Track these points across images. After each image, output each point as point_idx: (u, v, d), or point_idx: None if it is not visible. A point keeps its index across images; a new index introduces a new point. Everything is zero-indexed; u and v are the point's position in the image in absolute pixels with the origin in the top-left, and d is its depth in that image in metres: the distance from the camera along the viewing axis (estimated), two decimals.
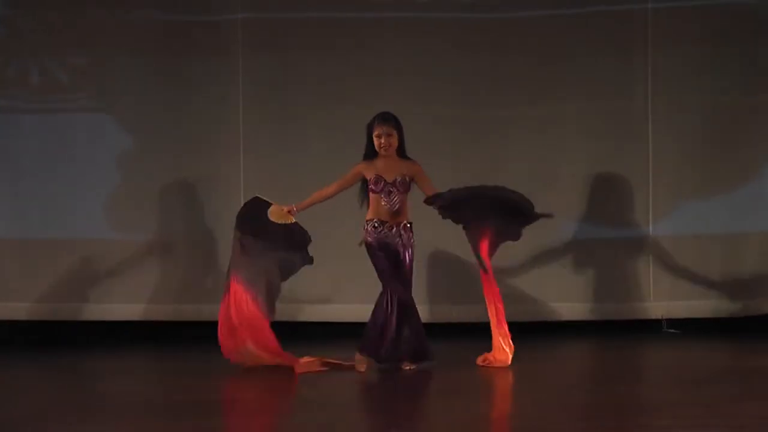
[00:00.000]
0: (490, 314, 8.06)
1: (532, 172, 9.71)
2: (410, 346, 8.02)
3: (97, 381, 8.21)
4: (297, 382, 7.77)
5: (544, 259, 9.78)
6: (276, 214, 8.32)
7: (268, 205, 8.36)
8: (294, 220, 8.30)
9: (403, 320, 8.00)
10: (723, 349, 9.16)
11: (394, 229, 8.07)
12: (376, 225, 8.06)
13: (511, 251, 9.60)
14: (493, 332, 8.06)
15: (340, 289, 9.63)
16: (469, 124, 9.84)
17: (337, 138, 9.64)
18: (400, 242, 8.06)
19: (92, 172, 9.84)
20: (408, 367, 8.02)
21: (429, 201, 8.00)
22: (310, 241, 8.24)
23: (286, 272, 8.30)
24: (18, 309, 9.80)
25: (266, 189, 9.73)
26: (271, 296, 8.21)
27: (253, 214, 8.36)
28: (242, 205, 8.53)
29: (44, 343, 9.70)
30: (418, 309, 8.14)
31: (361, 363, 8.05)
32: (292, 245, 8.26)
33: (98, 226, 9.85)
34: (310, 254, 8.26)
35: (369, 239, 8.08)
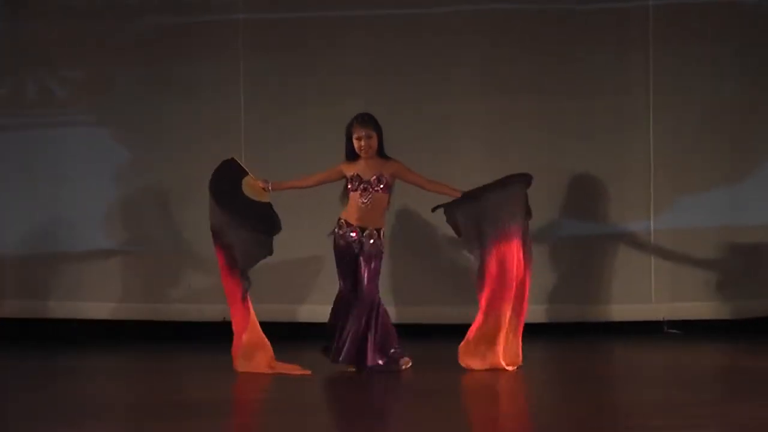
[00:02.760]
0: (504, 320, 7.99)
1: (533, 167, 9.68)
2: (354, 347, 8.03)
3: (93, 381, 8.20)
4: (298, 381, 7.76)
5: (541, 257, 9.77)
6: (250, 186, 8.10)
7: (244, 173, 8.13)
8: (268, 200, 8.07)
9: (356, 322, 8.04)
10: (723, 349, 9.16)
11: (356, 233, 8.04)
12: (341, 225, 8.08)
13: None
14: (506, 338, 7.99)
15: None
16: (468, 120, 9.84)
17: (337, 138, 9.56)
18: (359, 249, 8.03)
19: (92, 175, 9.86)
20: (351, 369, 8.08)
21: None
22: (279, 230, 7.99)
23: (245, 260, 7.99)
24: (17, 307, 9.84)
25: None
26: (243, 272, 7.95)
27: (226, 179, 8.05)
28: (217, 167, 8.24)
29: (41, 342, 9.70)
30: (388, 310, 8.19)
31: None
32: (258, 227, 7.97)
33: (98, 227, 9.87)
34: (273, 246, 7.99)
35: (333, 236, 8.10)
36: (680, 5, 9.84)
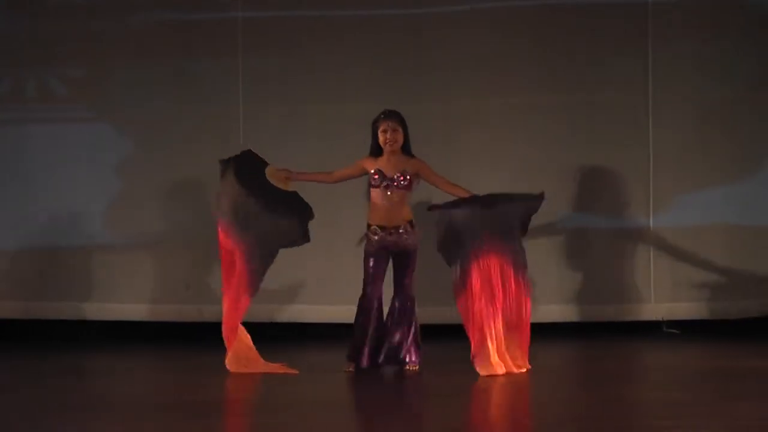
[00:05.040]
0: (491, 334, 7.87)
1: (532, 164, 9.71)
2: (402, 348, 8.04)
3: (97, 381, 8.19)
4: (298, 381, 7.76)
5: (541, 256, 9.76)
6: (273, 175, 8.11)
7: (264, 163, 8.12)
8: (293, 189, 8.07)
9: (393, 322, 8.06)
10: (723, 349, 9.13)
11: (393, 234, 8.03)
12: (374, 230, 8.04)
13: None
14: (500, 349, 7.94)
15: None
16: (467, 118, 9.82)
17: (337, 136, 9.63)
18: (395, 248, 8.01)
19: (91, 174, 9.86)
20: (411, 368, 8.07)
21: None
22: (312, 216, 7.98)
23: (286, 240, 7.98)
24: (18, 308, 9.82)
25: None
26: (261, 263, 7.94)
27: (250, 167, 8.02)
28: (235, 155, 8.18)
29: (45, 342, 9.69)
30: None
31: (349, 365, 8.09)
32: (292, 214, 7.96)
33: (100, 227, 9.86)
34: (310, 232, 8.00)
35: (368, 247, 8.05)
36: (680, 1, 9.83)
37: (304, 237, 8.02)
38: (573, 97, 9.84)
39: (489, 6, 9.86)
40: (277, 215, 7.96)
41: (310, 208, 8.01)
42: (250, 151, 8.22)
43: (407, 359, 8.09)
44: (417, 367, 8.07)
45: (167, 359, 9.06)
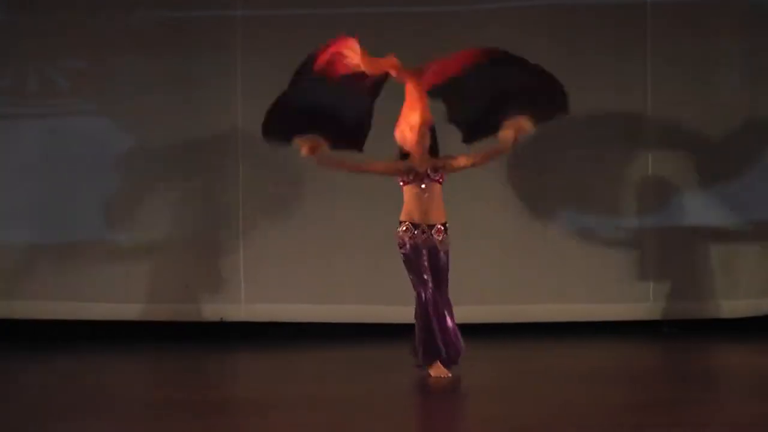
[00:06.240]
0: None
1: (532, 164, 9.70)
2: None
3: (94, 380, 8.18)
4: (299, 381, 7.75)
5: (539, 256, 9.77)
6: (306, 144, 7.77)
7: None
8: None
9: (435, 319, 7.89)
10: (721, 349, 9.15)
11: (426, 232, 7.92)
12: (407, 228, 7.98)
13: (509, 250, 9.63)
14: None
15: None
16: None
17: None
18: (431, 247, 7.85)
19: (89, 173, 9.84)
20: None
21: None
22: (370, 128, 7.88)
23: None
24: (18, 307, 9.82)
25: (264, 186, 9.78)
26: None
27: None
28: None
29: (43, 342, 9.69)
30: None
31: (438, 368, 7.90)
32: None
33: (97, 227, 9.85)
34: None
35: (403, 243, 7.91)
36: (678, 3, 9.84)
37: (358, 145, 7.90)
38: (572, 97, 9.81)
39: (488, 7, 9.86)
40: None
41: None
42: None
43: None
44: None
45: (167, 359, 9.05)
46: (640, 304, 9.82)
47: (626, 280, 9.81)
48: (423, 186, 7.84)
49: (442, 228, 7.88)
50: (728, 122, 9.80)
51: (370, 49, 9.76)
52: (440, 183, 7.90)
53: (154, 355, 9.32)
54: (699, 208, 9.82)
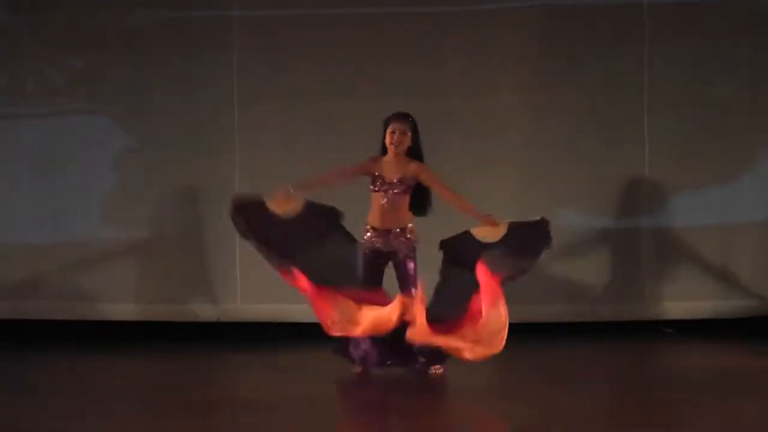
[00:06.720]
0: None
1: (530, 163, 9.70)
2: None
3: (94, 380, 8.17)
4: (299, 381, 7.75)
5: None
6: (277, 204, 7.73)
7: (259, 202, 7.72)
8: (300, 205, 7.70)
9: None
10: (721, 349, 9.15)
11: (383, 236, 7.92)
12: (367, 230, 7.98)
13: None
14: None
15: None
16: (459, 119, 9.81)
17: (333, 135, 9.63)
18: (390, 254, 7.91)
19: (87, 173, 9.83)
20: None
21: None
22: (341, 214, 7.76)
23: (349, 268, 7.75)
24: (18, 307, 9.82)
25: (262, 186, 9.73)
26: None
27: (254, 216, 7.64)
28: (232, 215, 7.77)
29: (42, 342, 9.68)
30: None
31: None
32: (328, 227, 7.73)
33: (96, 227, 9.85)
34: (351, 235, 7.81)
35: (363, 247, 7.96)
36: (676, 2, 9.83)
37: (352, 244, 7.86)
38: (570, 97, 9.83)
39: (488, 7, 9.85)
40: (318, 242, 7.75)
41: (335, 209, 7.81)
42: (236, 201, 7.85)
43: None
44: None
45: (166, 359, 9.04)
46: (637, 304, 9.82)
47: (622, 280, 9.81)
48: (384, 201, 7.87)
49: (399, 231, 7.90)
50: (726, 122, 9.81)
51: (370, 49, 9.82)
52: (406, 194, 7.89)
53: (153, 355, 9.29)
54: (696, 209, 9.82)
